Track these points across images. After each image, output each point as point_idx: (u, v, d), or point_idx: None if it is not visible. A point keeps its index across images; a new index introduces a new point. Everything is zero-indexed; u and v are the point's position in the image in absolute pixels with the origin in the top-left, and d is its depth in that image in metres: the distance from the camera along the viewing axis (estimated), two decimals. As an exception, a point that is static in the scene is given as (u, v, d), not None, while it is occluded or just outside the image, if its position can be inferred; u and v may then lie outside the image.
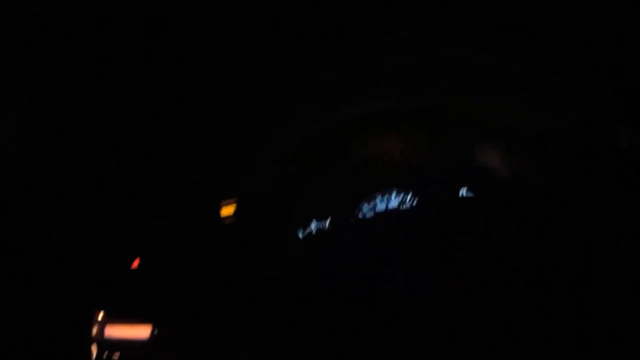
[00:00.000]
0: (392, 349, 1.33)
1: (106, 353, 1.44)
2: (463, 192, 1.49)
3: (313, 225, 1.72)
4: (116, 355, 1.45)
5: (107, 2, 1.08)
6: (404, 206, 1.64)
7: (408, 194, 1.64)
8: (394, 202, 1.66)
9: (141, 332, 1.46)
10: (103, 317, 1.48)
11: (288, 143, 1.65)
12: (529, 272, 1.27)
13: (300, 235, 1.72)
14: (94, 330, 1.47)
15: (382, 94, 1.49)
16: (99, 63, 1.23)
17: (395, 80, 1.41)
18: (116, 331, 1.48)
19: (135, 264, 1.56)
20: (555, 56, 1.21)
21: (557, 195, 1.31)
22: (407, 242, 1.54)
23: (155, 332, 1.46)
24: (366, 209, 1.69)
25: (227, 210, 1.72)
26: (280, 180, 1.73)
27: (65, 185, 1.39)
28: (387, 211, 1.66)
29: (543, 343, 1.19)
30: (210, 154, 1.60)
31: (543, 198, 1.32)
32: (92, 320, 1.48)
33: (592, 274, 1.20)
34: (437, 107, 1.47)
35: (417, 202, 1.61)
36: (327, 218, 1.70)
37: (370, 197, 1.68)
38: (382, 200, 1.68)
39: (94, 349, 1.45)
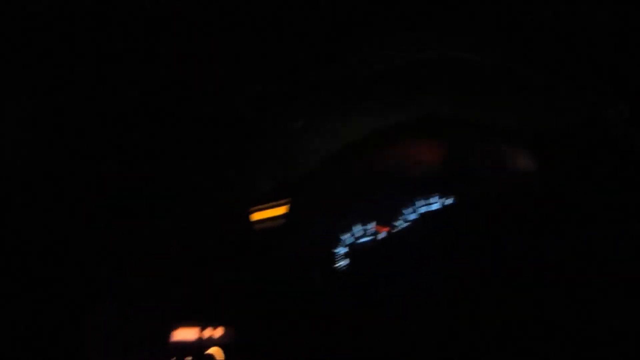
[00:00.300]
0: (392, 349, 1.33)
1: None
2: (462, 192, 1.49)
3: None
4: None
5: (107, 2, 1.08)
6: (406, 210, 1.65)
7: (412, 198, 1.65)
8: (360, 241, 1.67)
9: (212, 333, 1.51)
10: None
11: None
12: (529, 272, 1.27)
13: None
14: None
15: (385, 96, 1.49)
16: (99, 63, 1.23)
17: (395, 81, 1.41)
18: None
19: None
20: (555, 56, 1.21)
21: (558, 195, 1.31)
22: (409, 244, 1.55)
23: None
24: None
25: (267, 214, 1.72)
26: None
27: (65, 185, 1.40)
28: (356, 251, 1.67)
29: (543, 343, 1.19)
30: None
31: (543, 198, 1.32)
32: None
33: (592, 274, 1.21)
34: (438, 109, 1.47)
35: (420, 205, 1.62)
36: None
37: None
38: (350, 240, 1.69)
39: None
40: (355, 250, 1.67)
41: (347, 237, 1.69)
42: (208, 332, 1.53)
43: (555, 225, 1.28)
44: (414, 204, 1.66)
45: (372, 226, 1.68)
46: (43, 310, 1.33)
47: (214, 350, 1.49)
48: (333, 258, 1.68)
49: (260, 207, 1.73)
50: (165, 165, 1.56)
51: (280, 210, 1.72)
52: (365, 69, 1.37)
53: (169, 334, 1.50)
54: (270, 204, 1.72)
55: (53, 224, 1.39)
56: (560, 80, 1.26)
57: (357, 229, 1.69)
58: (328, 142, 1.59)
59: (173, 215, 1.58)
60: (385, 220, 1.67)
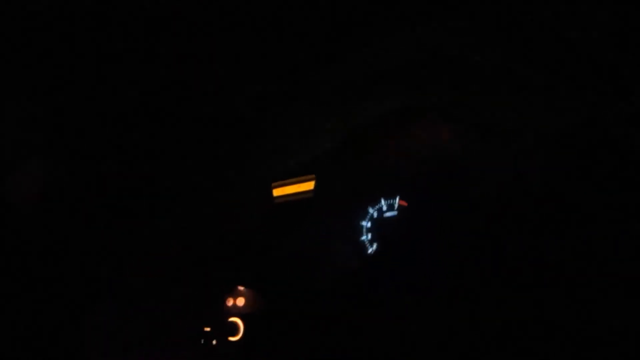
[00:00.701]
0: (392, 349, 1.33)
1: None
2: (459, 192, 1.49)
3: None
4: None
5: (107, 2, 1.07)
6: (404, 208, 1.65)
7: (409, 196, 1.65)
8: (396, 204, 1.67)
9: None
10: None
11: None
12: (528, 272, 1.27)
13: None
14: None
15: (384, 95, 1.48)
16: (99, 63, 1.23)
17: (395, 80, 1.41)
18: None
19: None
20: (555, 56, 1.21)
21: (558, 196, 1.31)
22: (407, 243, 1.55)
23: None
24: (372, 212, 1.70)
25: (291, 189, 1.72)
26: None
27: (65, 186, 1.40)
28: (390, 213, 1.67)
29: (543, 343, 1.19)
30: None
31: (543, 198, 1.32)
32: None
33: (592, 274, 1.21)
34: (437, 107, 1.47)
35: (417, 204, 1.62)
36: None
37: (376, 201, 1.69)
38: (386, 203, 1.69)
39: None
40: (378, 224, 1.68)
41: (373, 211, 1.70)
42: (230, 302, 1.57)
43: (555, 225, 1.28)
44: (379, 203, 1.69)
45: (396, 200, 1.68)
46: (43, 310, 1.33)
47: (234, 320, 1.54)
48: (359, 230, 1.69)
49: (283, 182, 1.74)
50: (165, 165, 1.56)
51: (303, 187, 1.73)
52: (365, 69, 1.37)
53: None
54: (294, 179, 1.73)
55: (53, 224, 1.39)
56: (560, 80, 1.25)
57: (381, 203, 1.69)
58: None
59: (173, 215, 1.58)
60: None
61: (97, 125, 1.37)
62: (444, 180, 1.53)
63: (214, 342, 1.50)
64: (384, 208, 1.68)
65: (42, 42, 1.14)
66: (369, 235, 1.68)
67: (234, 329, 1.52)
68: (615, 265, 1.20)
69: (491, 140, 1.45)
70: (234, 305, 1.57)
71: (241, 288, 1.59)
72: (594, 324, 1.16)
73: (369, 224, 1.69)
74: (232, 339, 1.52)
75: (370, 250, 1.67)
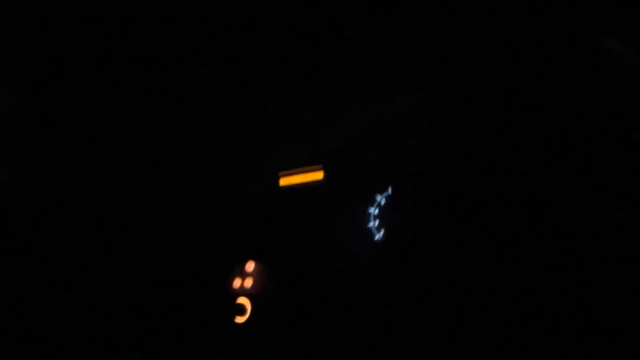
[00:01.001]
0: (391, 349, 1.35)
1: None
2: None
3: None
4: None
5: (107, 2, 1.08)
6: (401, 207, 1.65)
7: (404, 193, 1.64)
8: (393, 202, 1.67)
9: None
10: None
11: None
12: (528, 271, 1.26)
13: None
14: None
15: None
16: (99, 62, 1.25)
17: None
18: None
19: None
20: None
21: (557, 195, 1.29)
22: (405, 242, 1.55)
23: None
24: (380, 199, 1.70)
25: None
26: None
27: (64, 185, 1.43)
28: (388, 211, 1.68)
29: (543, 343, 1.19)
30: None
31: (542, 198, 1.30)
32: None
33: (592, 274, 1.19)
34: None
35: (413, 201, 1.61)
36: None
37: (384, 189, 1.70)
38: (384, 201, 1.69)
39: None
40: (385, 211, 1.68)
41: (380, 198, 1.70)
42: (237, 283, 1.60)
43: (555, 225, 1.26)
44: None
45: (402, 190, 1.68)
46: (43, 310, 1.36)
47: (242, 300, 1.57)
48: (367, 218, 1.69)
49: (289, 172, 1.75)
50: (175, 150, 1.58)
51: (310, 177, 1.74)
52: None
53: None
54: (302, 168, 1.74)
55: (52, 225, 1.43)
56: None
57: (389, 192, 1.69)
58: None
59: (172, 217, 1.60)
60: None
61: (95, 125, 1.38)
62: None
63: (221, 323, 1.54)
64: (391, 196, 1.68)
65: (42, 42, 1.15)
66: (377, 222, 1.69)
67: (241, 310, 1.55)
68: (615, 265, 1.18)
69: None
70: (242, 286, 1.59)
71: (250, 268, 1.61)
72: (594, 324, 1.15)
73: (376, 212, 1.70)
74: (239, 320, 1.55)
75: (377, 237, 1.68)
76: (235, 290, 1.60)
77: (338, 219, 1.71)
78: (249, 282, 1.60)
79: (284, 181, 1.75)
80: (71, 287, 1.39)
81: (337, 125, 1.63)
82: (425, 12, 1.20)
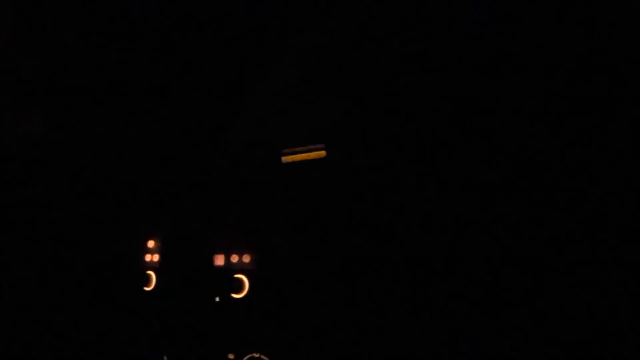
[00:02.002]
0: (389, 349, 1.35)
1: None
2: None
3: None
4: None
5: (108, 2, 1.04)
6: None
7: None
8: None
9: None
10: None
11: None
12: (528, 271, 1.24)
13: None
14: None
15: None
16: (98, 62, 1.21)
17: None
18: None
19: None
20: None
21: (557, 195, 1.24)
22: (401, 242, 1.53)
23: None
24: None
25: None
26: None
27: (65, 186, 1.42)
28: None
29: (542, 343, 1.18)
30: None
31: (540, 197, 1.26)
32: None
33: (591, 274, 1.16)
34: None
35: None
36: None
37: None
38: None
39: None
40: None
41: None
42: (235, 259, 1.61)
43: (555, 224, 1.23)
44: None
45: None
46: (43, 311, 1.37)
47: (239, 276, 1.58)
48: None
49: (292, 150, 1.72)
50: (177, 128, 1.56)
51: (313, 155, 1.70)
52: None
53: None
54: (304, 147, 1.70)
55: (52, 225, 1.42)
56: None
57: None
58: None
59: (170, 213, 1.59)
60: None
61: (96, 124, 1.35)
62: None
63: (218, 299, 1.55)
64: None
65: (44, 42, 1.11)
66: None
67: (238, 286, 1.56)
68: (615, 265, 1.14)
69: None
70: (240, 261, 1.60)
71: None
72: (593, 323, 1.15)
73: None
74: (236, 296, 1.56)
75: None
76: (232, 265, 1.60)
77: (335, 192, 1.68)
78: (247, 258, 1.60)
79: (287, 160, 1.71)
80: None
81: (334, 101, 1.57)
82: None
